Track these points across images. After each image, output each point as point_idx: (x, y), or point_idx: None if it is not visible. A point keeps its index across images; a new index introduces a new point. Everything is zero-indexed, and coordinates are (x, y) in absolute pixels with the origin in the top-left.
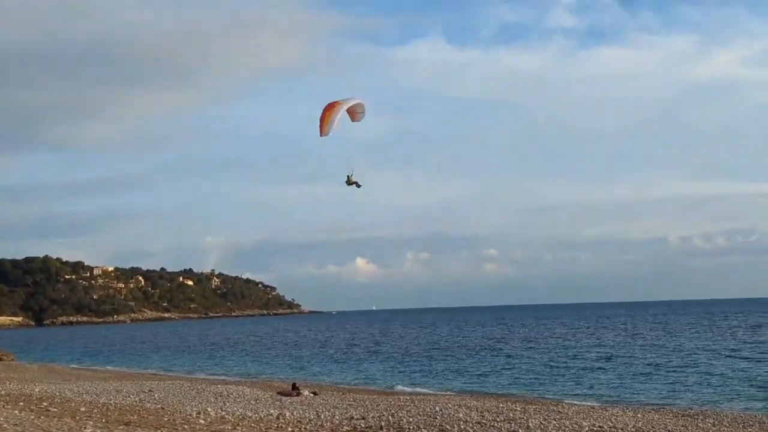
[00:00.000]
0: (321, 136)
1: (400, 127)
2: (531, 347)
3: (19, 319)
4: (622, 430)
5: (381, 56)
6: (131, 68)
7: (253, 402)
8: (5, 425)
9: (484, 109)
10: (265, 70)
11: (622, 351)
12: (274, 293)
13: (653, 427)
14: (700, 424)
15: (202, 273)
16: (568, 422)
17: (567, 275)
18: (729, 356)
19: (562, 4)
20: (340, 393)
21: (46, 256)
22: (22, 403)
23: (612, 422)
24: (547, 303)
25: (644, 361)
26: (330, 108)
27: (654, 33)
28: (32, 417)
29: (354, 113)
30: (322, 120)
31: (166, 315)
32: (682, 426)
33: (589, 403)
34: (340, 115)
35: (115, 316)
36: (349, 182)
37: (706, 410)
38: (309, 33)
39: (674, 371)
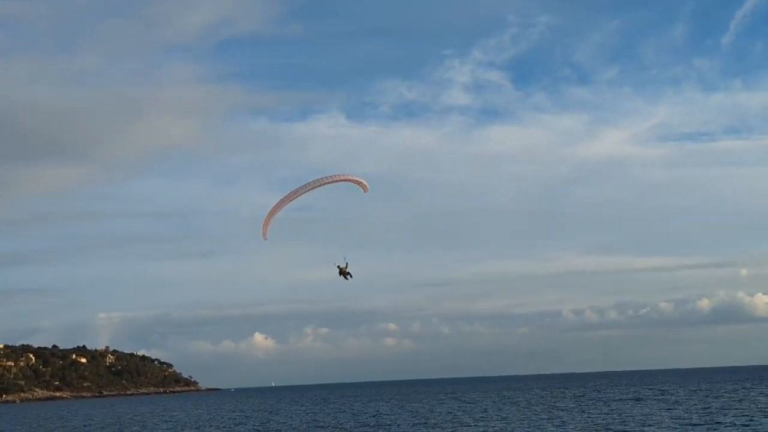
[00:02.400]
0: (264, 239)
1: (295, 202)
2: (420, 423)
3: None
4: None
5: (278, 132)
6: (19, 145)
7: None
8: None
9: (381, 184)
10: (159, 147)
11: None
12: (170, 370)
13: None
14: None
15: (95, 350)
16: None
17: (464, 348)
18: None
19: (458, 84)
20: None
21: None
22: None
23: None
24: (446, 377)
25: None
26: (272, 211)
27: (545, 112)
28: None
29: (362, 186)
30: (264, 224)
31: (58, 394)
32: None
33: None
34: (278, 215)
35: (4, 396)
36: (341, 272)
37: None
38: (204, 109)
39: None
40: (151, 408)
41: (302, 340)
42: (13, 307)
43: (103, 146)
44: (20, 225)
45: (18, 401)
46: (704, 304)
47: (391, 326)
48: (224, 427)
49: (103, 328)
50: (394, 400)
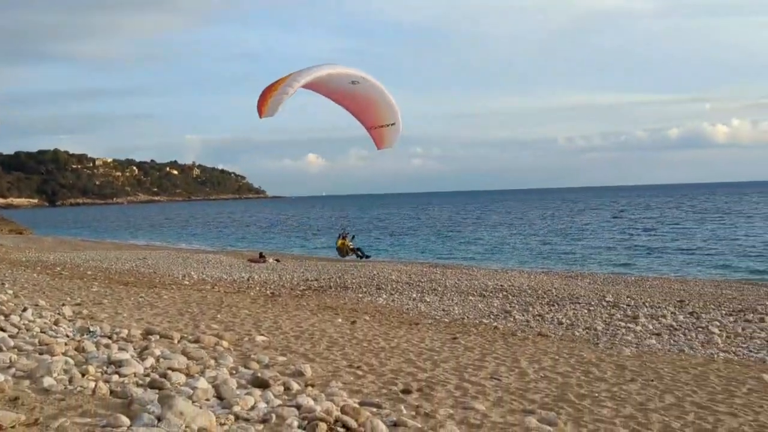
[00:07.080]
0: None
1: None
2: (444, 226)
3: (36, 200)
4: (518, 287)
5: None
6: None
7: (228, 267)
8: (26, 284)
9: (422, 33)
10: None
11: (518, 230)
12: (244, 181)
13: (542, 285)
14: (579, 282)
15: (185, 164)
16: (476, 282)
17: (478, 168)
18: (617, 231)
19: None
20: (299, 261)
21: (56, 149)
22: (39, 268)
23: (510, 282)
24: (462, 190)
25: (537, 238)
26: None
27: None
28: (48, 278)
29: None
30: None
31: (156, 198)
32: (564, 284)
33: (494, 268)
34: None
35: (114, 199)
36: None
37: (584, 273)
38: None
39: (565, 244)
40: (232, 208)
41: (347, 160)
42: (120, 128)
43: None
44: (124, 62)
45: (125, 203)
46: (673, 132)
47: (418, 149)
48: (291, 225)
49: (189, 147)
50: (418, 209)
